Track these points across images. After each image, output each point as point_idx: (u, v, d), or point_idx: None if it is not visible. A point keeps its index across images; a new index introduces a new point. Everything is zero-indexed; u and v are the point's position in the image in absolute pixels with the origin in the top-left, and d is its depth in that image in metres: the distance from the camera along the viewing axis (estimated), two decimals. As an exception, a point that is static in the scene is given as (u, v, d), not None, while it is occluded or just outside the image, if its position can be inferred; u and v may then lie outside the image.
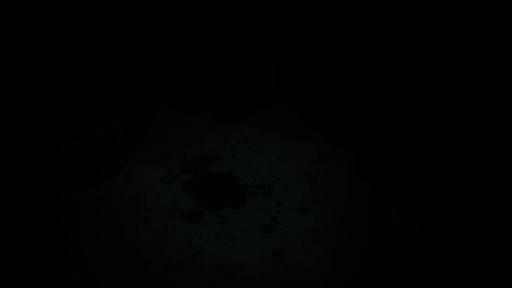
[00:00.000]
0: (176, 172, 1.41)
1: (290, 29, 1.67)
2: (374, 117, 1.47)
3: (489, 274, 1.21)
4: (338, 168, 1.41)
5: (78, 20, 1.41)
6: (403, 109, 1.41)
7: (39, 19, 1.35)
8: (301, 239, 1.27)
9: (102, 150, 1.48)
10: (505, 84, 1.19)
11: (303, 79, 1.65)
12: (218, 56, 1.74)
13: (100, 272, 1.21)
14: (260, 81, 1.72)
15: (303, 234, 1.29)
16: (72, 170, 1.42)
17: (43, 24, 1.36)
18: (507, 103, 1.20)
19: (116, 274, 1.20)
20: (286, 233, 1.28)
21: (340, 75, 1.55)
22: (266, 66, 1.73)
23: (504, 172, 1.25)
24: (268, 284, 1.19)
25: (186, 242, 1.26)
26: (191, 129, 1.52)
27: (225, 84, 1.70)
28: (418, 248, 1.24)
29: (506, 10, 1.16)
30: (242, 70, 1.74)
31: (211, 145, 1.48)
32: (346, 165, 1.42)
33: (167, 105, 1.60)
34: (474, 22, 1.20)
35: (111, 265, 1.23)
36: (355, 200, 1.35)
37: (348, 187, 1.37)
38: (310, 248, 1.26)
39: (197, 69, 1.71)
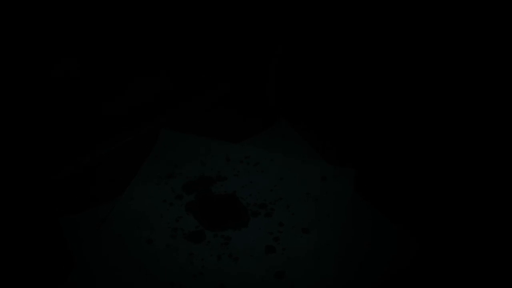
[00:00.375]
0: (179, 192, 1.41)
1: (290, 47, 1.67)
2: (375, 136, 1.48)
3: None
4: (340, 188, 1.42)
5: (84, 39, 1.41)
6: (404, 128, 1.42)
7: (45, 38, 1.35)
8: (303, 259, 1.28)
9: (105, 170, 1.48)
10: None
11: (305, 99, 1.66)
12: (221, 74, 1.75)
13: (103, 292, 1.19)
14: (261, 96, 1.72)
15: (305, 254, 1.29)
16: (74, 190, 1.42)
17: (50, 43, 1.36)
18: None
19: (119, 294, 1.19)
20: (288, 254, 1.29)
21: (342, 95, 1.55)
22: (266, 81, 1.74)
23: (505, 192, 1.26)
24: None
25: (189, 263, 1.26)
26: (193, 149, 1.53)
27: (228, 102, 1.70)
28: (419, 267, 1.24)
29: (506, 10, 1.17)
30: (244, 86, 1.74)
31: (214, 165, 1.48)
32: (347, 184, 1.42)
33: (170, 124, 1.60)
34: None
35: (114, 285, 1.23)
36: (357, 220, 1.35)
37: (350, 207, 1.37)
38: (312, 268, 1.26)
39: (201, 87, 1.72)
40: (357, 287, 1.23)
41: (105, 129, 1.60)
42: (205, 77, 1.75)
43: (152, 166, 1.48)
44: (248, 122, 1.62)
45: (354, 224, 1.35)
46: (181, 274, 1.25)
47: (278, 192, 1.42)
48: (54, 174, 1.46)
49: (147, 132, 1.58)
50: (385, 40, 1.41)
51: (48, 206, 1.29)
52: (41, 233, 1.25)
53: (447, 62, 1.32)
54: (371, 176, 1.44)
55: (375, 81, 1.46)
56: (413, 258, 1.27)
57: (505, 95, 1.26)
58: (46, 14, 1.36)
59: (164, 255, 1.28)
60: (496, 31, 1.22)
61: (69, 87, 1.46)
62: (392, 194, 1.38)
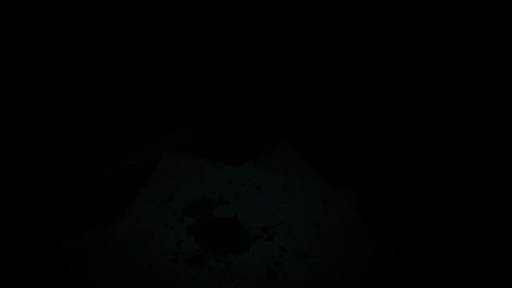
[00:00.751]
0: (180, 215, 1.40)
1: (289, 69, 1.67)
2: (377, 158, 1.48)
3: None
4: (340, 211, 1.42)
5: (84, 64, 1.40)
6: (409, 149, 1.42)
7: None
8: (303, 285, 1.27)
9: (106, 192, 1.46)
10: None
11: (307, 121, 1.66)
12: (223, 91, 1.74)
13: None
14: (262, 115, 1.72)
15: (305, 279, 1.29)
16: (75, 213, 1.41)
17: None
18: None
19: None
20: (289, 279, 1.28)
21: (343, 118, 1.55)
22: (267, 101, 1.73)
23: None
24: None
25: (191, 288, 1.25)
26: (195, 172, 1.52)
27: (229, 123, 1.69)
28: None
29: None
30: (245, 104, 1.74)
31: (215, 188, 1.47)
32: (348, 208, 1.42)
33: (171, 146, 1.59)
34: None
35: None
36: (358, 245, 1.36)
37: (351, 232, 1.37)
38: (313, 293, 1.25)
39: (201, 99, 1.71)
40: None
41: (106, 152, 1.59)
42: (205, 77, 1.74)
43: (153, 189, 1.47)
44: (249, 143, 1.61)
45: (355, 249, 1.35)
46: (183, 299, 1.23)
47: (279, 215, 1.41)
48: (54, 196, 1.44)
49: (148, 155, 1.56)
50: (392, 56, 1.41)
51: (48, 228, 1.27)
52: (42, 255, 1.23)
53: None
54: (373, 199, 1.43)
55: (376, 102, 1.46)
56: (416, 285, 1.27)
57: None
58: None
59: (166, 280, 1.27)
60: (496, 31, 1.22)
61: (69, 110, 1.44)
62: (394, 218, 1.38)
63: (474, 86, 1.23)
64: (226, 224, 1.38)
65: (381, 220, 1.38)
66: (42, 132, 1.47)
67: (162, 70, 1.70)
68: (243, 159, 1.57)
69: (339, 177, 1.51)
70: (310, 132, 1.70)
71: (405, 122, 1.40)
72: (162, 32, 1.63)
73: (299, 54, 1.69)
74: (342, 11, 1.51)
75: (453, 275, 1.29)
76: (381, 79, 1.46)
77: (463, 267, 1.29)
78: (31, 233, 1.23)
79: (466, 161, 1.31)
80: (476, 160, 1.29)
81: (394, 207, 1.41)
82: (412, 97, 1.38)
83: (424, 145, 1.38)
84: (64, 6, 1.40)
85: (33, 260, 1.19)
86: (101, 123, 1.57)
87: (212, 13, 1.66)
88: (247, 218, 1.40)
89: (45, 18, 1.38)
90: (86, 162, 1.55)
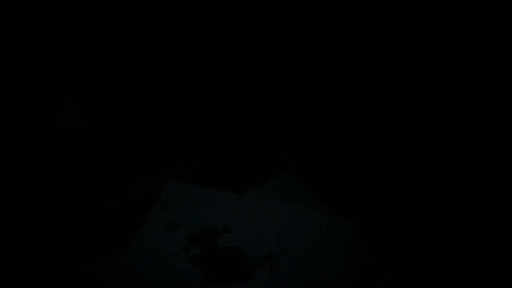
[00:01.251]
0: (184, 244, 1.41)
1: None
2: (383, 186, 1.48)
3: None
4: (346, 240, 1.43)
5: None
6: (417, 176, 1.42)
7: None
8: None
9: (109, 221, 1.46)
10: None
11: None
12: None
13: None
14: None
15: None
16: (77, 244, 1.41)
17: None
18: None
19: None
20: (293, 308, 1.29)
21: (346, 144, 1.55)
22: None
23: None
24: None
25: (195, 320, 1.26)
26: (199, 200, 1.52)
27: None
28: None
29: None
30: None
31: (219, 216, 1.48)
32: (354, 237, 1.43)
33: (174, 173, 1.59)
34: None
35: None
36: (364, 274, 1.37)
37: (355, 261, 1.38)
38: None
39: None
40: None
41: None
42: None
43: (157, 217, 1.47)
44: (252, 168, 1.61)
45: (361, 279, 1.36)
46: (188, 331, 1.23)
47: (283, 244, 1.42)
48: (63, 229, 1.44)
49: (150, 183, 1.56)
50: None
51: (52, 258, 1.28)
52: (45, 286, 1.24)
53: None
54: (379, 228, 1.44)
55: (380, 132, 1.46)
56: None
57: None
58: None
59: (170, 310, 1.28)
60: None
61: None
62: (398, 247, 1.39)
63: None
64: (230, 253, 1.38)
65: (388, 250, 1.39)
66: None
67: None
68: (247, 187, 1.56)
69: (344, 205, 1.51)
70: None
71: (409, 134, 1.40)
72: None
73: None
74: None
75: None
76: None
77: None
78: (32, 264, 1.23)
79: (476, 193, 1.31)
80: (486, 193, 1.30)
81: (402, 236, 1.41)
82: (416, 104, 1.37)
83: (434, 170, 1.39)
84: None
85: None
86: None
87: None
88: (251, 247, 1.40)
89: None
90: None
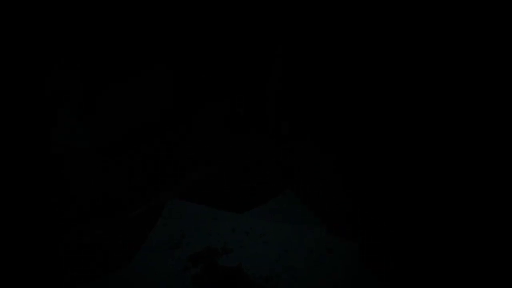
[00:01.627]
0: (185, 264, 1.42)
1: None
2: (384, 207, 1.49)
3: None
4: (346, 261, 1.44)
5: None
6: (420, 197, 1.43)
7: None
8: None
9: (110, 240, 1.47)
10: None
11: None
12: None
13: None
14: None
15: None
16: (78, 262, 1.42)
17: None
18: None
19: None
20: (293, 329, 1.31)
21: (348, 166, 1.56)
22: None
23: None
24: None
25: None
26: (200, 219, 1.52)
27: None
28: None
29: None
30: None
31: (220, 236, 1.49)
32: (354, 258, 1.44)
33: (175, 192, 1.59)
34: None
35: None
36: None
37: (357, 282, 1.39)
38: None
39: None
40: None
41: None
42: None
43: (158, 237, 1.48)
44: (254, 186, 1.62)
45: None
46: None
47: (283, 264, 1.43)
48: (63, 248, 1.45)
49: (152, 202, 1.57)
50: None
51: (54, 277, 1.29)
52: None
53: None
54: (378, 248, 1.45)
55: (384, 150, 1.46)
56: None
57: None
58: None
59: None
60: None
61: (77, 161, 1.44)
62: (401, 269, 1.40)
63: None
64: (230, 273, 1.40)
65: (388, 269, 1.40)
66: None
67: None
68: (248, 206, 1.57)
69: (344, 225, 1.52)
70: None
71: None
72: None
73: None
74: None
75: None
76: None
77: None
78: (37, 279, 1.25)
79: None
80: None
81: (401, 256, 1.42)
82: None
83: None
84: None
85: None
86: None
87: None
88: (251, 267, 1.42)
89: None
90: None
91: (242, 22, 1.70)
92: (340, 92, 1.64)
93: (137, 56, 1.58)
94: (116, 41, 1.52)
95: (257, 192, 1.62)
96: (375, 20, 1.48)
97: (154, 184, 1.62)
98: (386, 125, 1.56)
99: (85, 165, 1.52)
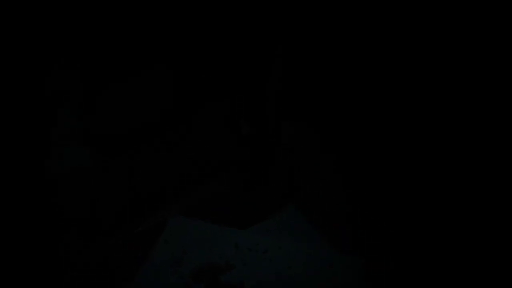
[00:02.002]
0: (187, 281, 1.43)
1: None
2: (386, 221, 1.48)
3: None
4: (348, 277, 1.45)
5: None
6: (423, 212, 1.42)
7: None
8: None
9: (112, 259, 1.46)
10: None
11: (313, 183, 1.65)
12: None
13: None
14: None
15: None
16: (79, 282, 1.41)
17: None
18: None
19: None
20: None
21: (351, 182, 1.55)
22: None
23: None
24: None
25: None
26: (202, 235, 1.53)
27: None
28: None
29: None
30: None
31: (222, 252, 1.49)
32: (356, 274, 1.45)
33: (177, 209, 1.59)
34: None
35: None
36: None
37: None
38: None
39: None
40: None
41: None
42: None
43: (160, 253, 1.47)
44: (256, 201, 1.61)
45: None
46: None
47: (286, 281, 1.44)
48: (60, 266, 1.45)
49: (153, 219, 1.56)
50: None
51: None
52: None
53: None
54: (382, 265, 1.44)
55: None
56: None
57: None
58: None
59: None
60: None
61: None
62: (404, 285, 1.39)
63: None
64: (233, 290, 1.39)
65: (392, 287, 1.39)
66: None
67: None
68: (251, 222, 1.56)
69: (347, 241, 1.50)
70: (319, 197, 1.70)
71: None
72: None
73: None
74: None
75: None
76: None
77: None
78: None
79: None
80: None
81: (406, 273, 1.41)
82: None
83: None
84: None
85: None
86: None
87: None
88: (254, 284, 1.43)
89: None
90: (95, 232, 1.55)
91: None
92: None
93: (137, 56, 1.58)
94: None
95: (259, 208, 1.61)
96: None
97: (156, 197, 1.61)
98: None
99: (84, 180, 1.51)
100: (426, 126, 1.44)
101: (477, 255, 1.38)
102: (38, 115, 1.42)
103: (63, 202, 1.47)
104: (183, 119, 1.73)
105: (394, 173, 1.51)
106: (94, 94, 1.56)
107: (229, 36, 1.71)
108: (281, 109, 1.77)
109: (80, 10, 1.41)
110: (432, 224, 1.45)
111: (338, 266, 1.49)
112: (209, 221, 1.58)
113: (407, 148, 1.49)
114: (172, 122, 1.72)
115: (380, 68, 1.50)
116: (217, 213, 1.59)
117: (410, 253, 1.45)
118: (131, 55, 1.57)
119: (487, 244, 1.37)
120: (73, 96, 1.51)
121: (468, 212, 1.39)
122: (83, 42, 1.46)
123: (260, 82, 1.74)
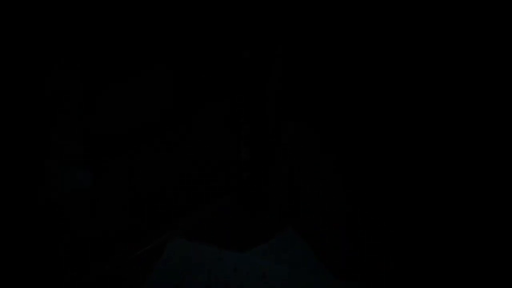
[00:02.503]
0: (186, 305, 1.41)
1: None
2: (387, 248, 1.48)
3: None
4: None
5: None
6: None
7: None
8: None
9: (111, 280, 1.46)
10: None
11: (314, 206, 1.65)
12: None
13: None
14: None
15: None
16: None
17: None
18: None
19: None
20: None
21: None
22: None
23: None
24: None
25: None
26: (201, 259, 1.53)
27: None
28: None
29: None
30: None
31: (221, 276, 1.49)
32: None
33: (176, 231, 1.59)
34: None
35: None
36: None
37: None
38: None
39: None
40: None
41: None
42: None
43: (159, 276, 1.47)
44: (255, 222, 1.61)
45: None
46: None
47: None
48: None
49: (152, 242, 1.56)
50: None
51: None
52: None
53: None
54: None
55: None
56: None
57: None
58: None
59: None
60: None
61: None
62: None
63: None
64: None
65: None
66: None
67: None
68: (250, 245, 1.56)
69: (345, 266, 1.50)
70: (319, 220, 1.70)
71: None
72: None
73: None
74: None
75: None
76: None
77: None
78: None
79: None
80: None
81: None
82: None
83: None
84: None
85: None
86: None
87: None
88: None
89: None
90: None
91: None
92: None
93: (137, 56, 1.58)
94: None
95: (259, 229, 1.61)
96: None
97: (155, 213, 1.61)
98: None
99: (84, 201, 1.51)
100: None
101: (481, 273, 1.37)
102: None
103: (61, 224, 1.46)
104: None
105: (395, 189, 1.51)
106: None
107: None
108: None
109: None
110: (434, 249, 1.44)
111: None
112: (209, 244, 1.57)
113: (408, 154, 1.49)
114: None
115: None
116: (216, 234, 1.59)
117: (412, 280, 1.45)
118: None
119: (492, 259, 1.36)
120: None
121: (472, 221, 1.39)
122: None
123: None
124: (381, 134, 1.49)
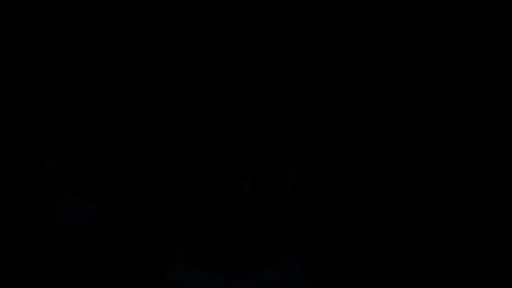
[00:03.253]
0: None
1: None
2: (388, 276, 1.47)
3: None
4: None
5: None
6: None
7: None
8: None
9: None
10: None
11: (313, 235, 1.65)
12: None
13: None
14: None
15: None
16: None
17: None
18: None
19: None
20: None
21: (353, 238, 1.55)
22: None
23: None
24: None
25: None
26: (199, 285, 1.51)
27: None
28: None
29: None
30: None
31: None
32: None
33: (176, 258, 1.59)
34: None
35: None
36: None
37: None
38: None
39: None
40: None
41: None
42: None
43: None
44: (257, 246, 1.61)
45: None
46: None
47: None
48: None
49: (152, 267, 1.56)
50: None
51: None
52: None
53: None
54: None
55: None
56: None
57: None
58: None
59: None
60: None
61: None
62: None
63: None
64: None
65: None
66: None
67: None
68: (248, 273, 1.55)
69: None
70: (318, 249, 1.69)
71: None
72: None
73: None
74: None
75: None
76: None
77: None
78: None
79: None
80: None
81: None
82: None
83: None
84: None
85: None
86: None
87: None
88: None
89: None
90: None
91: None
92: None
93: (137, 56, 1.58)
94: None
95: (260, 255, 1.60)
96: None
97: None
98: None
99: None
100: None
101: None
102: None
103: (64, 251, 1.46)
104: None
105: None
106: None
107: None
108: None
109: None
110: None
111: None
112: (209, 270, 1.56)
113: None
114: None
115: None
116: (217, 260, 1.58)
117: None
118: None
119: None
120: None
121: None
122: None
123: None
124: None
